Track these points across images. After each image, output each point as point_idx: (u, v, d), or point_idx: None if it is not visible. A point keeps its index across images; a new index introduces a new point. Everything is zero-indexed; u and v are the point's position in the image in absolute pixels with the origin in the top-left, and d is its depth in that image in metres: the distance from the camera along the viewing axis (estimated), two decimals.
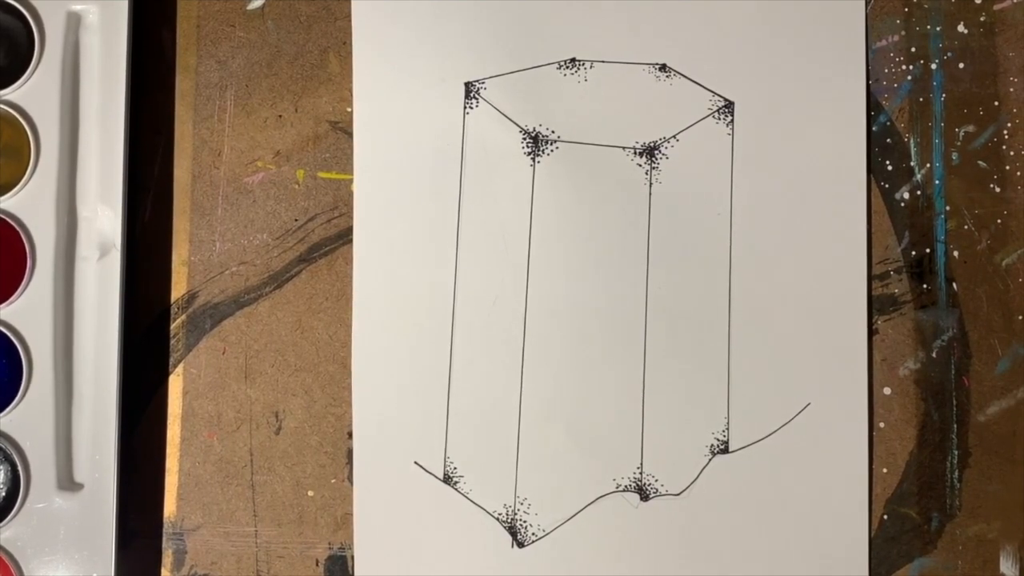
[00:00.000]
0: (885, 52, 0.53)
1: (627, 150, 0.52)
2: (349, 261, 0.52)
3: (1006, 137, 0.52)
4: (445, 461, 0.51)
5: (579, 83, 0.52)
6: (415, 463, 0.52)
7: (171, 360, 0.52)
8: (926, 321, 0.52)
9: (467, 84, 0.52)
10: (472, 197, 0.52)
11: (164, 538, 0.52)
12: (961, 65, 0.53)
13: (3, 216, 0.50)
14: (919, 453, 0.52)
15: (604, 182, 0.52)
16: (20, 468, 0.49)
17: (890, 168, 0.52)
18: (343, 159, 0.53)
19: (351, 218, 0.52)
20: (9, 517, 0.49)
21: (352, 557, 0.51)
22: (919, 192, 0.52)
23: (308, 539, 0.52)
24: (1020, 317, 0.52)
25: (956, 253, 0.52)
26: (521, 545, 0.51)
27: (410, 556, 0.51)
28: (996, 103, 0.53)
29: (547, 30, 0.52)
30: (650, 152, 0.52)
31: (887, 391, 0.52)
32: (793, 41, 0.52)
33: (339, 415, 0.52)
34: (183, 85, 0.53)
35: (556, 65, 0.52)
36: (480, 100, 0.52)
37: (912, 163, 0.52)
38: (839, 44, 0.52)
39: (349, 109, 0.53)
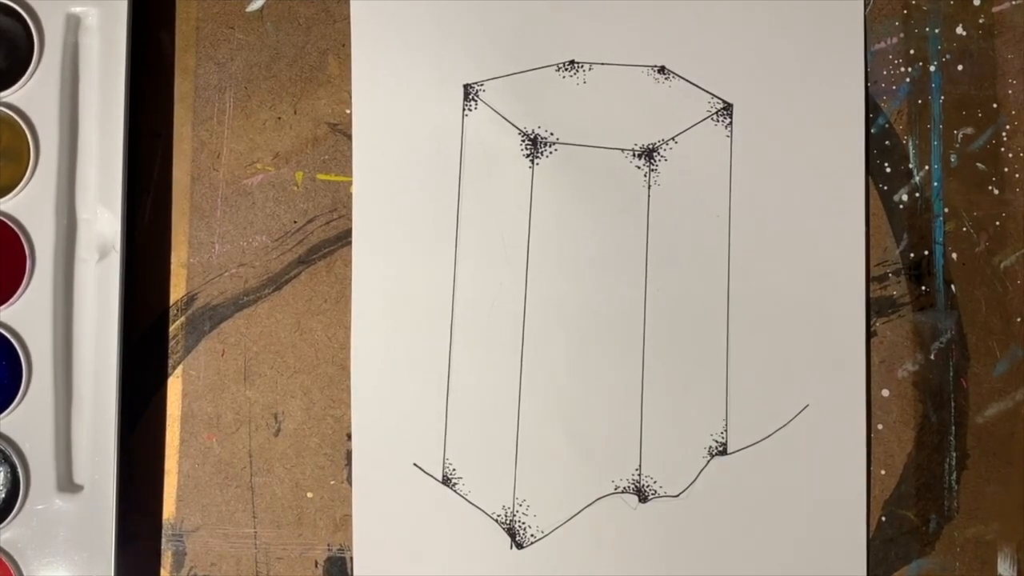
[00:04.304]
0: (884, 54, 0.53)
1: (626, 152, 0.52)
2: (348, 263, 0.52)
3: (1004, 139, 0.52)
4: (444, 462, 0.52)
5: (578, 85, 0.52)
6: (414, 464, 0.52)
7: (170, 362, 0.52)
8: (924, 323, 0.52)
9: (466, 86, 0.52)
10: (471, 199, 0.52)
11: (163, 539, 0.52)
12: (960, 67, 0.53)
13: (3, 218, 0.50)
14: (917, 455, 0.52)
15: (603, 184, 0.52)
16: (20, 469, 0.49)
17: (889, 170, 0.52)
18: (342, 161, 0.53)
19: (350, 220, 0.52)
20: (9, 518, 0.49)
21: (351, 558, 0.51)
22: (918, 194, 0.52)
23: (307, 540, 0.52)
24: (1018, 319, 0.52)
25: (955, 255, 0.52)
26: (520, 546, 0.51)
27: (409, 557, 0.51)
28: (995, 105, 0.53)
29: (546, 32, 0.52)
30: (649, 154, 0.52)
31: (885, 393, 0.52)
32: (792, 43, 0.52)
33: (338, 417, 0.52)
34: (182, 87, 0.53)
35: (555, 67, 0.52)
36: (479, 102, 0.52)
37: (911, 165, 0.53)
38: (838, 46, 0.52)
39: (348, 111, 0.53)
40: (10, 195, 0.50)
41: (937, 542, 0.51)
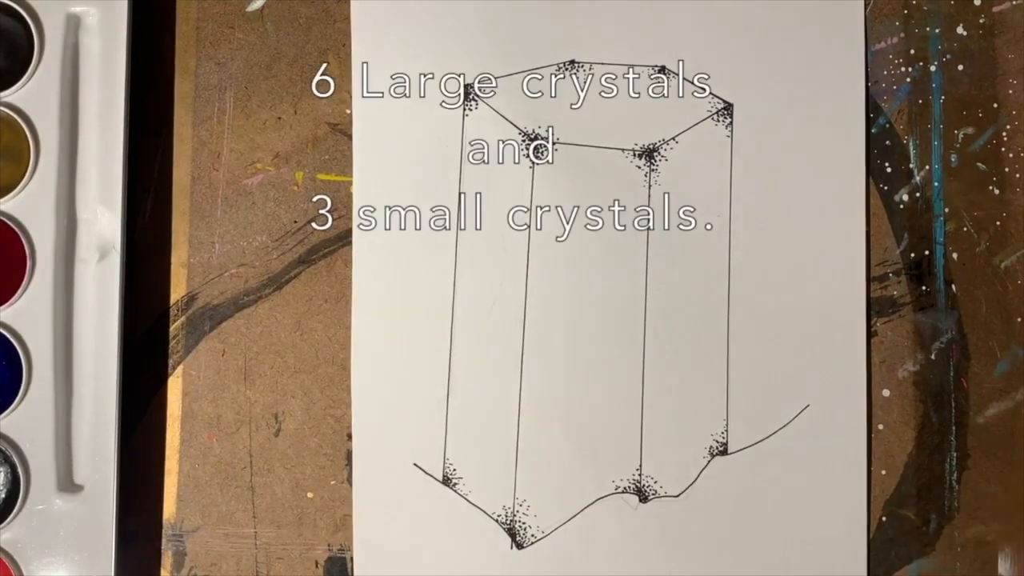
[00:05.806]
0: (884, 54, 0.53)
1: (626, 152, 0.52)
2: (348, 263, 0.52)
3: (1005, 139, 0.52)
4: (444, 463, 0.52)
5: (578, 85, 0.52)
6: (414, 464, 0.52)
7: (170, 362, 0.52)
8: (925, 323, 0.52)
9: (466, 86, 0.52)
10: (471, 199, 0.52)
11: (164, 539, 0.52)
12: (960, 67, 0.53)
13: (3, 218, 0.50)
14: (918, 455, 0.52)
15: (603, 184, 0.52)
16: (20, 469, 0.49)
17: (889, 170, 0.52)
18: (342, 161, 0.53)
19: (350, 220, 0.52)
20: (9, 518, 0.49)
21: (351, 559, 0.51)
22: (918, 194, 0.52)
23: (307, 540, 0.52)
24: (1019, 319, 0.52)
25: (955, 255, 0.52)
26: (520, 547, 0.51)
27: (409, 558, 0.51)
28: (995, 105, 0.53)
29: (546, 32, 0.52)
30: (649, 154, 0.52)
31: (886, 393, 0.52)
32: (792, 43, 0.52)
33: (338, 416, 0.52)
34: (182, 87, 0.53)
35: (555, 67, 0.52)
36: (479, 102, 0.52)
37: (911, 165, 0.53)
38: (838, 46, 0.52)
39: (348, 111, 0.53)
40: (10, 195, 0.50)
41: (937, 542, 0.51)
